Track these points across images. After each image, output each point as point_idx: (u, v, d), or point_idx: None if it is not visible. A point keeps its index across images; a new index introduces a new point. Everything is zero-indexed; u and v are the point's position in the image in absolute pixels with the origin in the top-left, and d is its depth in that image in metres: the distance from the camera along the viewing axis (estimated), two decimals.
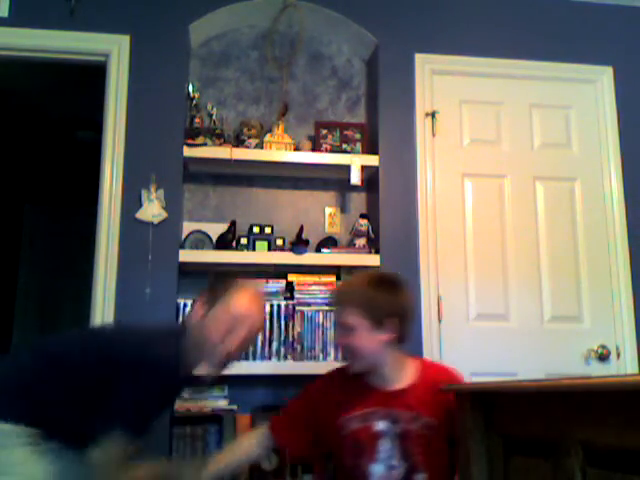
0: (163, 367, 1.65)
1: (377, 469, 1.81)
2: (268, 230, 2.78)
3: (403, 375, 1.88)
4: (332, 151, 2.89)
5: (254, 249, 2.73)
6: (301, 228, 2.80)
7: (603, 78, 3.10)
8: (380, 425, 1.82)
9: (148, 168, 2.69)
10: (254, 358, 2.63)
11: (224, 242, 2.72)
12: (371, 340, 1.80)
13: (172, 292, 2.62)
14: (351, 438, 1.84)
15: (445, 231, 2.88)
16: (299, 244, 2.75)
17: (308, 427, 1.92)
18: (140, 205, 2.66)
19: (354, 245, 2.84)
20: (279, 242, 2.77)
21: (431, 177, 2.91)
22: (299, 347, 2.67)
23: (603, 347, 2.85)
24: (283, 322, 2.68)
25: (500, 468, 1.60)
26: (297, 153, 2.84)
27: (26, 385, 1.66)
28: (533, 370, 2.69)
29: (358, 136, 2.95)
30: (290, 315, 2.69)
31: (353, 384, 1.89)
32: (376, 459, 1.81)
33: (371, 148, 2.93)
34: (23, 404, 1.63)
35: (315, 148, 2.90)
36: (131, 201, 2.66)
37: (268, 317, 2.65)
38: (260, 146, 2.83)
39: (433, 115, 2.95)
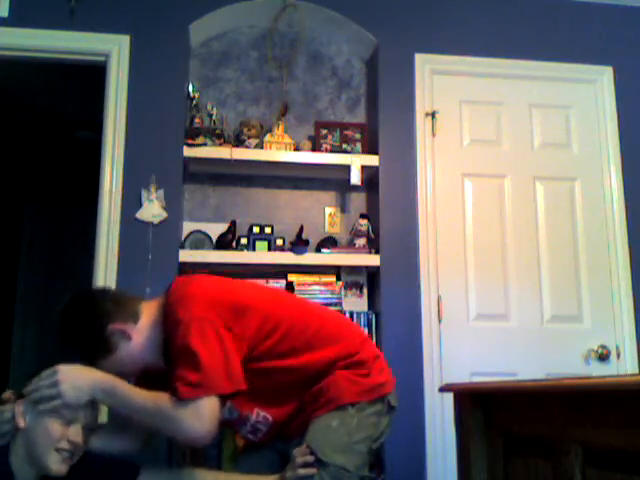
0: None
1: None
2: (268, 230, 2.78)
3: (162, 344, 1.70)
4: (332, 151, 2.89)
5: (254, 249, 2.73)
6: (301, 228, 2.80)
7: (603, 78, 3.10)
8: None
9: (148, 168, 2.69)
10: None
11: (224, 242, 2.72)
12: (115, 359, 1.68)
13: None
14: None
15: (445, 231, 2.88)
16: (299, 244, 2.75)
17: None
18: (140, 205, 2.66)
19: (354, 245, 2.84)
20: (279, 242, 2.77)
21: (431, 177, 2.91)
22: None
23: (603, 347, 2.85)
24: None
25: (500, 468, 1.60)
26: (297, 153, 2.84)
27: None
28: (533, 370, 2.69)
29: (358, 136, 2.95)
30: None
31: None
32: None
33: (371, 148, 2.93)
34: None
35: (315, 148, 2.90)
36: (131, 201, 2.66)
37: None
38: (260, 146, 2.83)
39: (433, 115, 2.95)
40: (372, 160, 2.86)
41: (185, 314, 1.60)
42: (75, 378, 1.60)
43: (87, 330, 1.69)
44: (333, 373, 1.71)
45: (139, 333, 1.70)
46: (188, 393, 1.53)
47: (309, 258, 2.74)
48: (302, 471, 1.60)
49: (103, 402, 1.66)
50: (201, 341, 1.56)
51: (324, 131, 2.94)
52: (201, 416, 1.52)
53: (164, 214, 2.66)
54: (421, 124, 2.93)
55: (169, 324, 1.64)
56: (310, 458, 1.61)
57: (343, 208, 3.01)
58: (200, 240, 2.74)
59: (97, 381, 1.61)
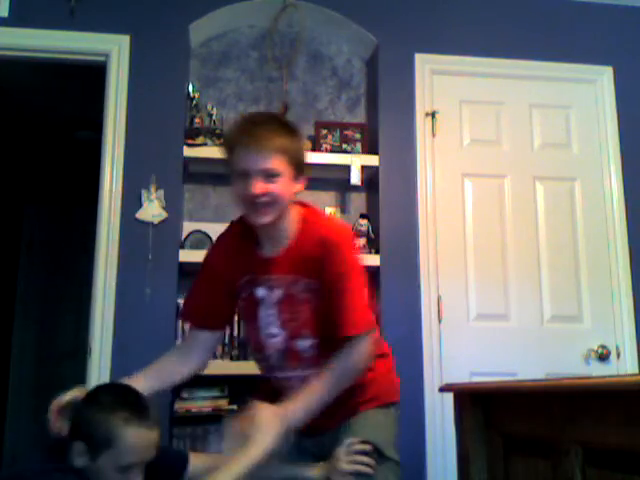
0: None
1: (261, 338, 1.74)
2: None
3: (292, 230, 1.72)
4: (332, 151, 2.89)
5: None
6: None
7: (603, 78, 3.10)
8: (259, 292, 1.72)
9: (148, 168, 2.69)
10: None
11: None
12: (290, 189, 1.67)
13: (172, 292, 2.62)
14: (241, 306, 1.79)
15: (445, 231, 2.88)
16: None
17: (217, 296, 1.79)
18: (140, 205, 2.66)
19: None
20: None
21: (431, 177, 2.91)
22: None
23: (603, 347, 2.85)
24: None
25: (500, 468, 1.60)
26: None
27: None
28: (533, 370, 2.68)
29: (358, 136, 2.95)
30: None
31: (244, 246, 1.76)
32: (258, 327, 1.74)
33: (371, 148, 2.93)
34: None
35: (315, 148, 2.90)
36: (131, 201, 2.66)
37: None
38: None
39: (433, 115, 2.95)
40: (372, 160, 2.86)
41: (350, 253, 1.68)
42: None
43: (304, 151, 1.72)
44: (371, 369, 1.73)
45: (295, 204, 1.73)
46: (362, 328, 1.62)
47: None
48: (363, 468, 1.58)
49: None
50: (362, 281, 1.67)
51: (324, 131, 2.94)
52: (367, 349, 1.64)
53: (164, 214, 2.67)
54: (421, 124, 2.94)
55: (328, 243, 1.65)
56: (372, 455, 1.60)
57: (343, 208, 3.01)
58: (200, 240, 2.74)
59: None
